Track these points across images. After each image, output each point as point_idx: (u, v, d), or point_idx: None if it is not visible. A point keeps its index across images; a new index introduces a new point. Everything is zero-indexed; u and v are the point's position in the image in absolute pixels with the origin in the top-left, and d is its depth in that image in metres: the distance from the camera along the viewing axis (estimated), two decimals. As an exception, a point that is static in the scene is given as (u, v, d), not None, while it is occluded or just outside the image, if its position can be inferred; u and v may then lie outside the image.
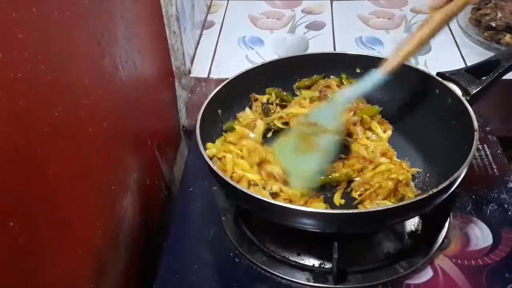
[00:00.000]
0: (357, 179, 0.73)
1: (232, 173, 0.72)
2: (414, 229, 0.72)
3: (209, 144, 0.74)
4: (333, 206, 0.71)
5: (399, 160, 0.74)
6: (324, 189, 0.73)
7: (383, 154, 0.75)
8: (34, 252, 0.47)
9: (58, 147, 0.52)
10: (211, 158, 0.71)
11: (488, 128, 0.89)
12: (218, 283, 0.67)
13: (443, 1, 0.68)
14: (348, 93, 0.76)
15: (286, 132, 0.79)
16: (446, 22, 0.69)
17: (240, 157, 0.74)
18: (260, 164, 0.73)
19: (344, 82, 0.85)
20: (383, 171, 0.72)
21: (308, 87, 0.87)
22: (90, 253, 0.61)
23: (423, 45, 0.70)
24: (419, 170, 0.74)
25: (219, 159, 0.74)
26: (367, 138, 0.79)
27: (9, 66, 0.43)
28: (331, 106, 0.77)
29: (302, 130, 0.76)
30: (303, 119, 0.77)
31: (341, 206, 0.71)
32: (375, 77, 0.72)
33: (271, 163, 0.73)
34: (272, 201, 0.62)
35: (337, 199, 0.72)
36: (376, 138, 0.79)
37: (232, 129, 0.80)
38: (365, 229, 0.68)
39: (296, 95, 0.87)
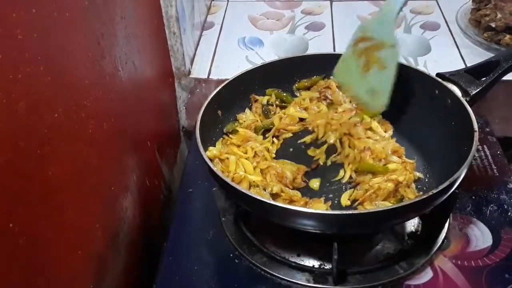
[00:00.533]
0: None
1: (234, 174, 0.72)
2: (414, 230, 0.72)
3: (210, 147, 0.74)
4: (337, 207, 0.71)
5: (409, 161, 0.75)
6: (328, 191, 0.74)
7: (394, 152, 0.75)
8: (34, 253, 0.47)
9: (58, 148, 0.52)
10: (212, 160, 0.71)
11: (488, 129, 0.89)
12: (217, 284, 0.67)
13: None
14: (391, 2, 0.74)
15: (343, 54, 0.77)
16: None
17: (244, 159, 0.74)
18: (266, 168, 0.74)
19: None
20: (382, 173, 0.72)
21: (307, 88, 0.87)
22: (90, 254, 0.61)
23: None
24: (420, 176, 0.74)
25: (221, 160, 0.73)
26: (368, 138, 0.79)
27: (9, 67, 0.43)
28: (382, 18, 0.75)
29: (360, 47, 0.75)
30: (359, 35, 0.76)
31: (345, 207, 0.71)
32: None
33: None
34: (272, 202, 0.62)
35: (345, 199, 0.71)
36: (380, 138, 0.79)
37: (233, 131, 0.79)
38: (365, 229, 0.68)
39: (296, 96, 0.87)
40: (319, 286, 0.66)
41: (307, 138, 0.81)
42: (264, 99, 0.85)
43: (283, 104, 0.85)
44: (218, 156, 0.73)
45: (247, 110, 0.84)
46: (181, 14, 0.93)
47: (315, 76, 0.87)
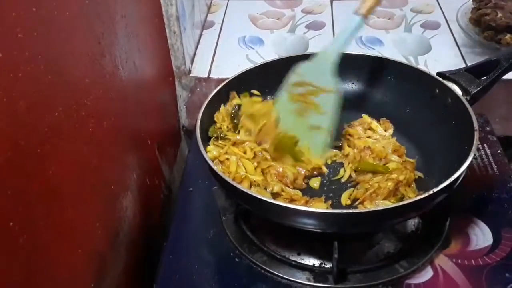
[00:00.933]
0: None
1: (235, 174, 0.72)
2: (414, 229, 0.72)
3: (209, 147, 0.74)
4: (337, 206, 0.71)
5: (410, 160, 0.74)
6: (329, 190, 0.73)
7: (394, 151, 0.75)
8: (34, 252, 0.47)
9: (58, 147, 0.52)
10: (212, 160, 0.70)
11: (488, 128, 0.89)
12: (218, 283, 0.67)
13: None
14: (333, 45, 0.75)
15: (279, 97, 0.77)
16: None
17: (245, 159, 0.74)
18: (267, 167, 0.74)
19: None
20: (382, 172, 0.72)
21: None
22: (90, 253, 0.61)
23: None
24: (421, 175, 0.74)
25: (221, 162, 0.73)
26: (368, 137, 0.79)
27: (9, 66, 0.43)
28: (319, 63, 0.76)
29: (296, 91, 0.75)
30: (295, 79, 0.76)
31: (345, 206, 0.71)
32: (354, 23, 0.73)
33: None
34: (273, 201, 0.62)
35: (345, 199, 0.71)
36: (380, 137, 0.79)
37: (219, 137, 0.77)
38: (365, 228, 0.68)
39: None
40: (320, 285, 0.66)
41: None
42: (234, 101, 0.81)
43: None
44: (218, 157, 0.73)
45: (222, 108, 0.80)
46: (182, 13, 0.93)
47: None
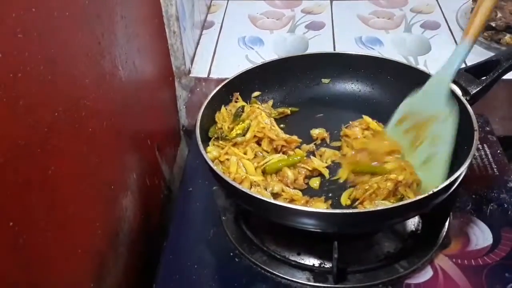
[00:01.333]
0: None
1: (235, 175, 0.72)
2: (414, 229, 0.72)
3: (209, 148, 0.74)
4: (337, 206, 0.71)
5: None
6: (329, 190, 0.73)
7: (391, 152, 0.74)
8: (34, 252, 0.47)
9: (58, 147, 0.52)
10: (212, 161, 0.70)
11: (488, 128, 0.89)
12: (218, 283, 0.67)
13: None
14: (445, 71, 0.73)
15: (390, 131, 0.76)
16: None
17: (245, 160, 0.74)
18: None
19: None
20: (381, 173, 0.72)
21: None
22: (90, 253, 0.61)
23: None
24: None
25: (221, 162, 0.73)
26: (365, 137, 0.79)
27: (9, 66, 0.43)
28: (429, 91, 0.74)
29: (405, 126, 0.74)
30: (404, 113, 0.74)
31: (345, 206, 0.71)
32: (463, 48, 0.71)
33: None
34: (272, 201, 0.62)
35: (345, 199, 0.71)
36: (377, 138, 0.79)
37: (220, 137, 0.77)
38: (365, 228, 0.68)
39: None
40: (319, 285, 0.66)
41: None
42: (240, 104, 0.81)
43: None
44: (218, 157, 0.73)
45: (223, 109, 0.80)
46: (181, 13, 0.93)
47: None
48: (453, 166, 0.67)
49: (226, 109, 0.80)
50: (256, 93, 0.85)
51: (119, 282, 0.69)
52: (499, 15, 1.03)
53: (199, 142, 0.69)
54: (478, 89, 0.73)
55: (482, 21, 0.70)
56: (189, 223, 0.76)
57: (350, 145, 0.78)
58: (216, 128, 0.78)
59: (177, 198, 0.82)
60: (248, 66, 0.85)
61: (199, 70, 1.03)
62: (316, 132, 0.81)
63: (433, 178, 0.67)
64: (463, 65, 0.75)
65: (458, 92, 0.74)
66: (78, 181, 0.57)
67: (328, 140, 0.80)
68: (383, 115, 0.82)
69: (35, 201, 0.48)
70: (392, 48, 1.08)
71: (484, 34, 1.04)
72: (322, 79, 0.88)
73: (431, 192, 0.59)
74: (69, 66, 0.55)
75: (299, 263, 0.68)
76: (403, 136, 0.74)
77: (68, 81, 0.55)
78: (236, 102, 0.82)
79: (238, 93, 0.82)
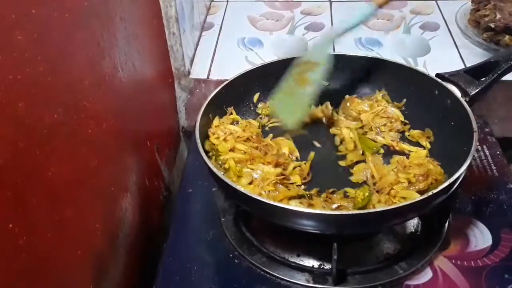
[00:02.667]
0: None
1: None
2: (413, 230, 0.72)
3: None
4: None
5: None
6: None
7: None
8: (33, 253, 0.47)
9: (57, 148, 0.52)
10: (208, 152, 0.71)
11: (487, 129, 0.89)
12: (217, 284, 0.67)
13: None
14: (339, 28, 0.78)
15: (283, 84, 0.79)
16: None
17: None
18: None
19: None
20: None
21: None
22: (90, 254, 0.61)
23: None
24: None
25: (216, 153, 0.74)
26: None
27: (9, 67, 0.43)
28: (322, 43, 0.79)
29: (297, 72, 0.77)
30: (298, 61, 0.78)
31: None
32: (365, 11, 0.76)
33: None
34: (272, 202, 0.62)
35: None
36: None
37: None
38: (364, 230, 0.68)
39: None
40: (319, 286, 0.66)
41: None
42: (233, 116, 0.81)
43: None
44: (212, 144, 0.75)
45: (215, 122, 0.79)
46: (181, 15, 0.93)
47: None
48: (453, 167, 0.67)
49: (219, 121, 0.79)
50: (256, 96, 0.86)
51: (119, 283, 0.69)
52: (498, 16, 1.03)
53: (199, 144, 0.69)
54: (477, 90, 0.73)
55: None
56: (189, 225, 0.76)
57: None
58: (210, 143, 0.76)
59: (177, 199, 0.82)
60: (248, 67, 0.85)
61: (198, 71, 1.03)
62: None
63: (293, 117, 0.75)
64: (463, 67, 0.76)
65: (458, 93, 0.74)
66: (77, 182, 0.57)
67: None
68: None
69: (34, 203, 0.48)
70: (391, 49, 1.08)
71: (483, 35, 1.04)
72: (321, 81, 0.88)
73: (430, 193, 0.59)
74: (69, 67, 0.55)
75: (299, 264, 0.68)
76: (294, 82, 0.78)
77: (67, 82, 0.55)
78: (231, 115, 0.81)
79: (233, 107, 0.82)
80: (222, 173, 0.68)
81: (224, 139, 0.76)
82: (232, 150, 0.75)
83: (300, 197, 0.69)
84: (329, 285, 0.66)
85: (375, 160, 0.74)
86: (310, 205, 0.67)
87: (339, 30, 0.77)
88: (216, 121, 0.79)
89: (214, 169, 0.65)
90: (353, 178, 0.73)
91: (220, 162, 0.73)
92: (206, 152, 0.74)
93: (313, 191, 0.70)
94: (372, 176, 0.72)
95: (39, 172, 0.48)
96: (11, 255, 0.44)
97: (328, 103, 0.85)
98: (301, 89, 0.76)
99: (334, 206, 0.67)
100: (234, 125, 0.79)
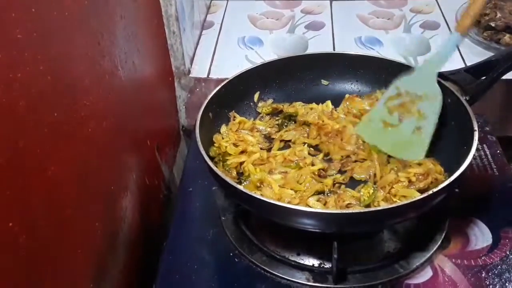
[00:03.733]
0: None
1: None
2: (413, 229, 0.72)
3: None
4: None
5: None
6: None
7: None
8: (33, 253, 0.47)
9: (57, 147, 0.52)
10: (213, 158, 0.71)
11: (487, 128, 0.89)
12: (217, 283, 0.67)
13: None
14: (435, 58, 0.76)
15: (374, 109, 0.79)
16: None
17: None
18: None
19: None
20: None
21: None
22: (90, 253, 0.61)
23: None
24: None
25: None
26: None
27: (9, 66, 0.43)
28: (420, 74, 0.76)
29: (393, 104, 0.76)
30: (394, 92, 0.77)
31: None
32: (454, 39, 0.75)
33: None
34: (272, 201, 0.62)
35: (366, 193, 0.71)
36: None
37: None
38: (364, 229, 0.68)
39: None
40: (319, 285, 0.66)
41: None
42: (238, 119, 0.82)
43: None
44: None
45: (223, 129, 0.80)
46: (181, 13, 0.93)
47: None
48: (453, 166, 0.67)
49: (226, 128, 0.80)
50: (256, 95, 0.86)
51: (119, 282, 0.69)
52: (499, 15, 1.03)
53: (199, 143, 0.69)
54: (478, 89, 0.73)
55: (475, 15, 0.72)
56: (189, 223, 0.76)
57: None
58: (215, 149, 0.77)
59: (177, 198, 0.82)
60: (248, 66, 0.85)
61: (198, 70, 1.03)
62: None
63: (417, 151, 0.72)
64: (463, 65, 0.76)
65: (458, 92, 0.74)
66: (77, 181, 0.57)
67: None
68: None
69: (34, 202, 0.48)
70: (391, 48, 1.08)
71: (483, 34, 1.04)
72: (322, 80, 0.88)
73: (430, 192, 0.59)
74: (69, 66, 0.55)
75: (299, 263, 0.68)
76: (388, 113, 0.77)
77: (67, 81, 0.55)
78: (234, 119, 0.82)
79: (234, 111, 0.82)
80: (238, 184, 0.66)
81: (235, 144, 0.76)
82: (243, 152, 0.76)
83: (319, 193, 0.70)
84: (329, 284, 0.66)
85: (380, 158, 0.74)
86: (326, 203, 0.68)
87: (437, 60, 0.76)
88: (223, 128, 0.80)
89: (214, 168, 0.65)
90: (356, 175, 0.73)
91: (227, 168, 0.74)
92: (208, 139, 0.75)
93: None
94: (375, 175, 0.72)
95: (39, 171, 0.48)
96: (11, 254, 0.44)
97: (329, 101, 0.85)
98: (407, 121, 0.75)
99: (345, 203, 0.68)
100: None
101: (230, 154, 0.76)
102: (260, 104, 0.86)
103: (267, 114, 0.85)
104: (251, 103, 0.86)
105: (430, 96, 0.74)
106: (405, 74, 0.76)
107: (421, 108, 0.74)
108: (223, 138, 0.78)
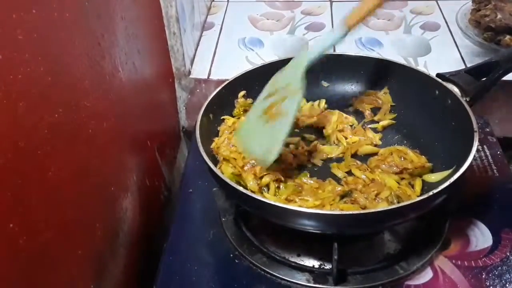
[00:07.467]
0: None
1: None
2: (414, 230, 0.72)
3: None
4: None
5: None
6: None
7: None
8: (34, 253, 0.47)
9: (58, 148, 0.52)
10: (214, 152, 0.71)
11: (487, 129, 0.89)
12: (218, 284, 0.67)
13: None
14: (310, 54, 0.73)
15: (248, 117, 0.76)
16: None
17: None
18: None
19: None
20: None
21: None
22: (90, 254, 0.61)
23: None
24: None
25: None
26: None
27: (9, 67, 0.43)
28: (293, 68, 0.74)
29: (263, 106, 0.73)
30: (264, 93, 0.74)
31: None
32: (336, 34, 0.72)
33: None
34: (272, 202, 0.62)
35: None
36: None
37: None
38: (364, 230, 0.68)
39: None
40: (319, 286, 0.66)
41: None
42: (230, 121, 0.80)
43: None
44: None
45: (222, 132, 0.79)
46: (181, 14, 0.93)
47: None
48: (453, 167, 0.67)
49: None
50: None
51: (119, 283, 0.69)
52: (499, 16, 1.03)
53: (199, 144, 0.69)
54: (478, 90, 0.73)
55: (363, 16, 0.71)
56: (189, 224, 0.76)
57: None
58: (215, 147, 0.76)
59: (177, 199, 0.82)
60: (248, 67, 0.85)
61: (199, 71, 1.03)
62: None
63: (272, 151, 0.68)
64: (463, 67, 0.75)
65: (458, 93, 0.74)
66: (78, 182, 0.57)
67: None
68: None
69: (35, 202, 0.48)
70: (392, 49, 1.08)
71: (484, 35, 1.04)
72: (322, 81, 0.88)
73: (431, 193, 0.59)
74: (69, 67, 0.55)
75: (299, 264, 0.68)
76: (262, 114, 0.72)
77: (68, 82, 0.55)
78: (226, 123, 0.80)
79: (245, 91, 0.83)
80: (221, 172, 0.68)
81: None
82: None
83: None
84: (329, 285, 0.66)
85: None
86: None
87: (311, 54, 0.72)
88: (230, 121, 0.80)
89: (215, 169, 0.65)
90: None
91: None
92: (208, 139, 0.75)
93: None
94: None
95: (39, 172, 0.48)
96: (11, 255, 0.44)
97: (323, 100, 0.86)
98: (274, 123, 0.70)
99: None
100: None
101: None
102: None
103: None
104: (252, 104, 0.86)
105: (292, 90, 0.71)
106: (283, 70, 0.74)
107: (286, 106, 0.70)
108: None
